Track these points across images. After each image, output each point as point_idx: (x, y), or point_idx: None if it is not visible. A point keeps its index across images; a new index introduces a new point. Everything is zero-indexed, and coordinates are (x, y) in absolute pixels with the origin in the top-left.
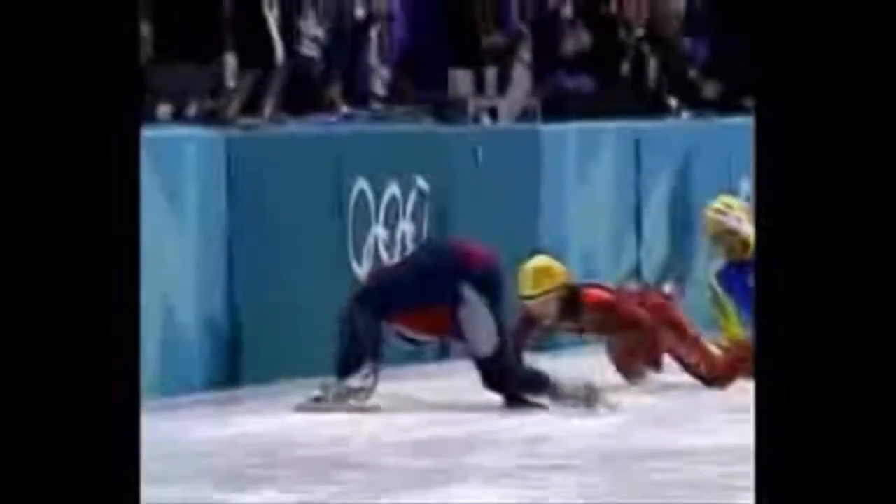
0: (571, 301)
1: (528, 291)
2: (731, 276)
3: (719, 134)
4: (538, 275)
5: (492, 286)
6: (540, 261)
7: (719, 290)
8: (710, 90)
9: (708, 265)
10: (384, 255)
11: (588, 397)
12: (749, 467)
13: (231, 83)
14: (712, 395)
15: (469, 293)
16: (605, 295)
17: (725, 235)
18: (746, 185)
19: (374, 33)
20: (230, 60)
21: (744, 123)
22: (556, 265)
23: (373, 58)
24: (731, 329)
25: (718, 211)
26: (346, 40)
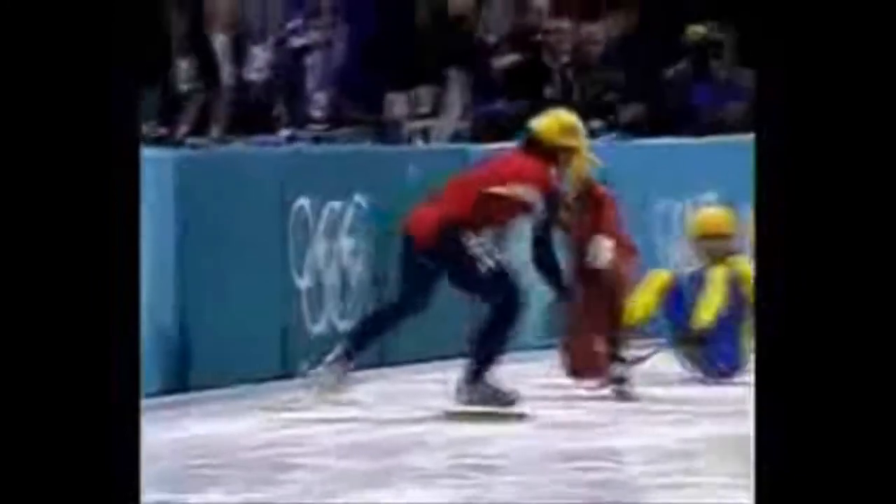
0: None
1: None
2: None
3: (635, 154)
4: None
5: None
6: None
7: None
8: (628, 113)
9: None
10: (324, 269)
11: (503, 402)
12: (668, 467)
13: (180, 106)
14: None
15: None
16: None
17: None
18: (663, 205)
19: (313, 60)
20: (178, 83)
21: (660, 144)
22: None
23: (312, 83)
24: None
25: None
26: (288, 66)
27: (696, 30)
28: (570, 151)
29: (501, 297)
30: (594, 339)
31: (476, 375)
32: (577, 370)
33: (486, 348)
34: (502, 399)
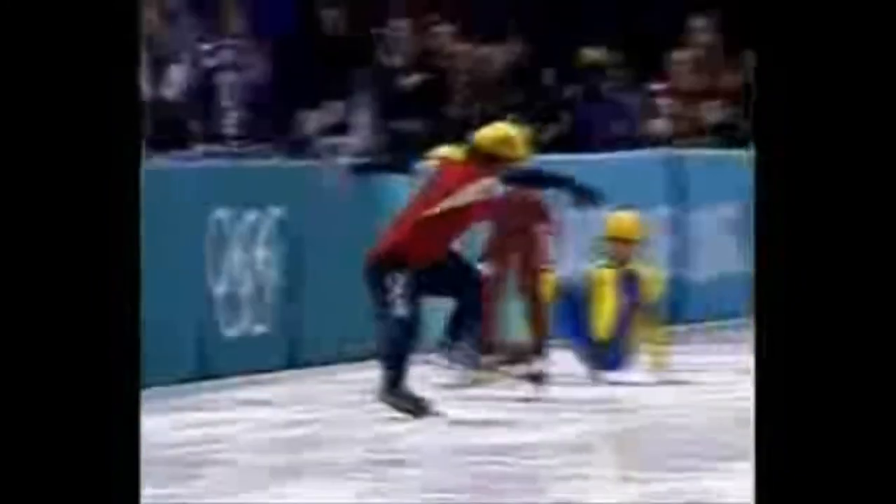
0: None
1: None
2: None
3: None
4: None
5: None
6: None
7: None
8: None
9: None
10: (239, 277)
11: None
12: (571, 459)
13: None
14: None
15: None
16: None
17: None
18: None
19: (226, 79)
20: None
21: (555, 160)
22: None
23: (226, 101)
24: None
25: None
26: (202, 85)
27: (590, 53)
28: (510, 161)
29: (404, 342)
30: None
31: (393, 383)
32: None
33: (392, 362)
34: (419, 405)
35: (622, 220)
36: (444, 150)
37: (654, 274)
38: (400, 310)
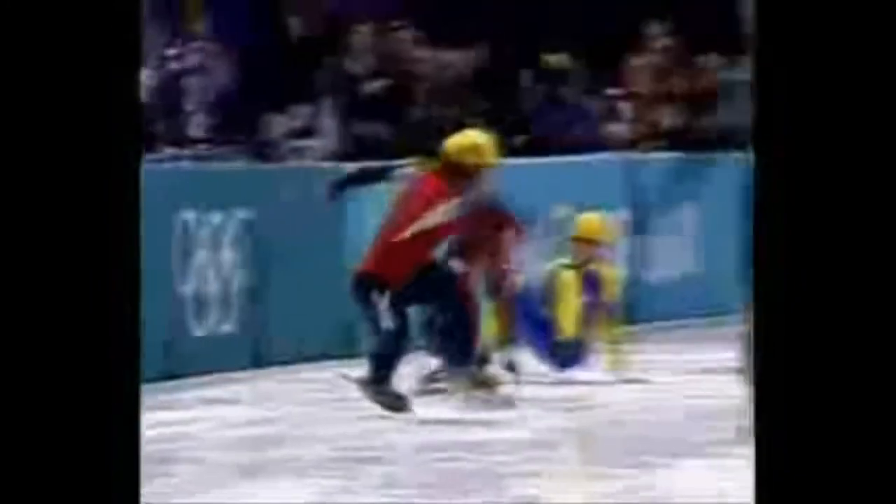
0: None
1: None
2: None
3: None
4: None
5: None
6: None
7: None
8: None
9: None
10: (206, 278)
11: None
12: (532, 455)
13: None
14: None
15: None
16: None
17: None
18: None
19: (191, 83)
20: None
21: (517, 164)
22: None
23: (191, 104)
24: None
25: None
26: (168, 89)
27: (552, 59)
28: (481, 169)
29: (393, 349)
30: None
31: (378, 382)
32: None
33: (381, 363)
34: (399, 403)
35: (591, 220)
36: (416, 161)
37: (614, 274)
38: (387, 322)
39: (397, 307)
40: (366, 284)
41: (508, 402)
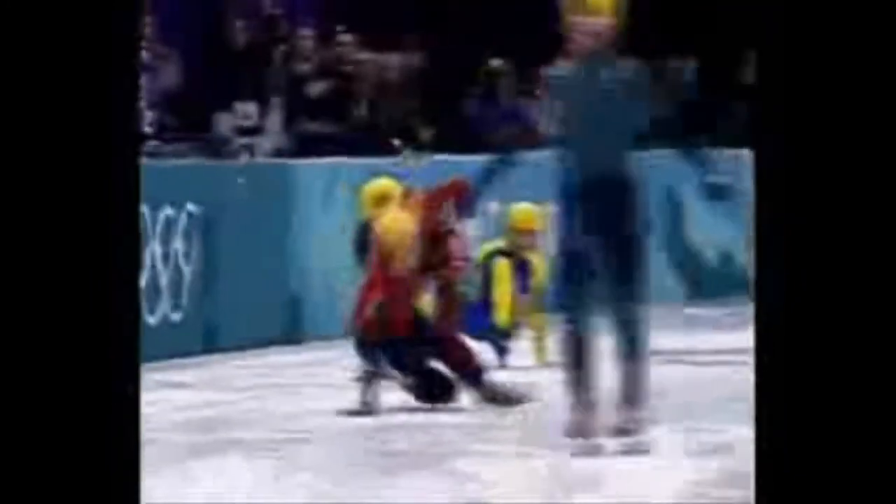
0: None
1: None
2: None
3: (431, 170)
4: None
5: None
6: None
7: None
8: (425, 134)
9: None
10: (159, 268)
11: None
12: (472, 433)
13: None
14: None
15: None
16: None
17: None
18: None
19: (143, 80)
20: None
21: (451, 161)
22: None
23: (143, 101)
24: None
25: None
26: None
27: (489, 63)
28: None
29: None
30: None
31: (368, 380)
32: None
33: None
34: (370, 404)
35: (524, 211)
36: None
37: (542, 263)
38: (387, 372)
39: (398, 364)
40: (365, 342)
41: (524, 397)
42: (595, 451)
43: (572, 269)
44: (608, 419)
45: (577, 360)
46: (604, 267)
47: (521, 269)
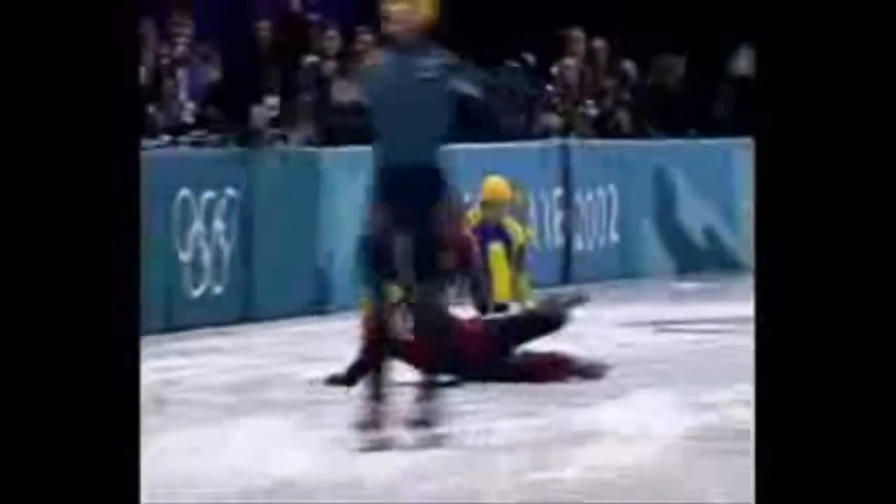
0: None
1: None
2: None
3: None
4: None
5: None
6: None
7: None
8: None
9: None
10: (202, 246)
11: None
12: (467, 396)
13: None
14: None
15: None
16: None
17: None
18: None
19: (182, 74)
20: None
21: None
22: None
23: (183, 94)
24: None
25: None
26: (163, 80)
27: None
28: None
29: None
30: None
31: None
32: None
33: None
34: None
35: (494, 183)
36: None
37: (521, 230)
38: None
39: None
40: None
41: (602, 368)
42: (386, 445)
43: (371, 267)
44: (405, 412)
45: (374, 353)
46: (403, 266)
47: (498, 233)
